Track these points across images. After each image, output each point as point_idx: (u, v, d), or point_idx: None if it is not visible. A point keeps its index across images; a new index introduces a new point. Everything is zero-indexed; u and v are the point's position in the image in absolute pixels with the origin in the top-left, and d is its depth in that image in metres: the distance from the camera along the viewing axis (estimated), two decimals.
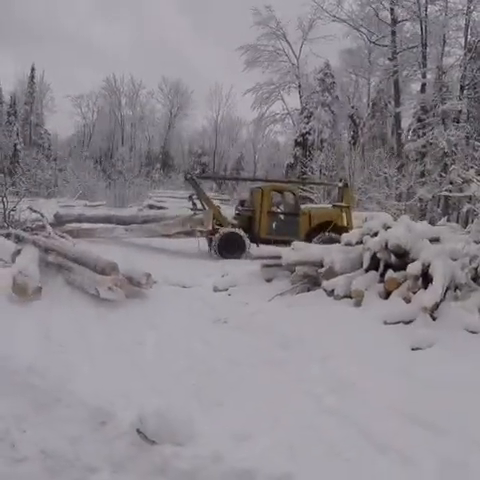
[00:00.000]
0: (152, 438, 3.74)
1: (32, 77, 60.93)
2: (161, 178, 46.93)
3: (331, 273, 8.23)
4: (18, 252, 9.52)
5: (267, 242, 16.12)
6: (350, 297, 7.75)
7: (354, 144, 37.23)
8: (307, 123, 40.95)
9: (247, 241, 15.57)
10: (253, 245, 15.92)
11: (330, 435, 4.03)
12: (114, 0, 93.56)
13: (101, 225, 17.18)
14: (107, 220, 17.87)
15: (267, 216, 16.34)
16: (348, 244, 8.95)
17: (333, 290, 7.98)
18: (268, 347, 6.13)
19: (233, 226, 15.98)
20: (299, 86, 45.56)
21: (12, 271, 7.89)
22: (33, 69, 60.71)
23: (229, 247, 15.34)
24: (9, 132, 52.41)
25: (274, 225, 16.39)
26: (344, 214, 17.01)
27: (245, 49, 44.60)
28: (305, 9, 40.35)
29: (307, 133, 40.51)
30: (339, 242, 15.05)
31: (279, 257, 9.30)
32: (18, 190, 22.63)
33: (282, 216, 16.62)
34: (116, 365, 5.39)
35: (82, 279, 8.27)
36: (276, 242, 15.85)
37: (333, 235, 15.74)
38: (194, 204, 16.93)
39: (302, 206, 17.70)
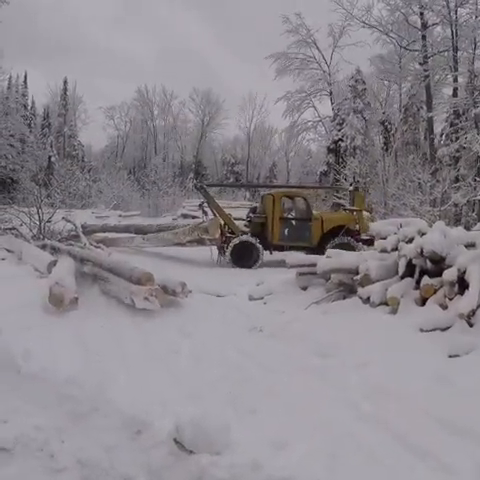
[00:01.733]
0: (189, 447, 3.75)
1: (65, 90, 61.90)
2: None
3: (367, 280, 8.16)
4: (54, 263, 9.65)
5: (280, 249, 16.07)
6: (386, 304, 7.68)
7: (387, 150, 36.91)
8: (339, 130, 40.72)
9: (261, 249, 15.52)
10: (266, 252, 15.86)
11: (368, 442, 4.00)
12: (136, 10, 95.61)
13: (124, 235, 17.39)
14: (127, 229, 18.07)
15: (279, 222, 16.24)
16: (383, 251, 8.87)
17: (369, 297, 7.92)
18: (303, 355, 6.10)
19: (245, 234, 15.92)
20: (330, 93, 45.39)
21: (48, 282, 7.99)
22: (65, 82, 61.76)
23: (242, 256, 15.32)
24: (43, 144, 53.29)
25: (286, 231, 16.31)
26: (357, 218, 16.91)
27: (275, 57, 44.57)
28: (334, 16, 40.26)
29: (340, 140, 40.24)
30: (352, 246, 15.16)
31: (314, 265, 9.26)
32: (53, 201, 22.92)
33: (294, 222, 16.55)
34: (152, 374, 5.41)
35: (118, 289, 8.33)
36: (290, 248, 16.00)
37: (348, 240, 15.89)
38: (204, 212, 16.94)
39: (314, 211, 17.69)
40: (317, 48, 44.50)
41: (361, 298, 8.12)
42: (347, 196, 29.67)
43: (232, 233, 15.98)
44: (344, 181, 33.09)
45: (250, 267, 15.00)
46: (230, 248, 15.42)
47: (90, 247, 12.08)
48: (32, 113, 57.06)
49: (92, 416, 4.26)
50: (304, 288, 9.57)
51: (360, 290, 8.20)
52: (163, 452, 3.79)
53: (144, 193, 44.37)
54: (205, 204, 16.98)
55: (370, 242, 15.89)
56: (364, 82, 42.21)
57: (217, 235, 15.53)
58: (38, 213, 16.19)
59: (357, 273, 8.45)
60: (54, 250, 12.10)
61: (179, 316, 7.77)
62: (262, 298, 9.51)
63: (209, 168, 65.52)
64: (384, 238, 9.83)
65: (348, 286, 8.72)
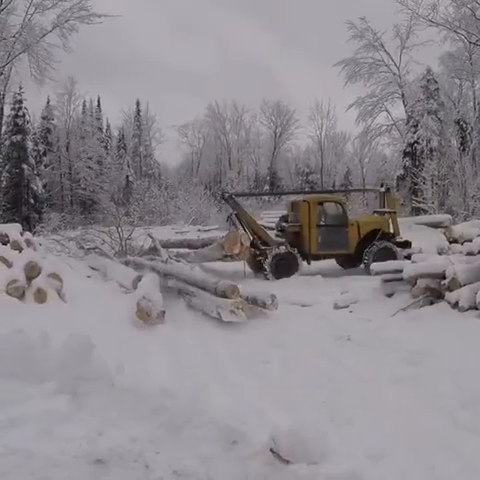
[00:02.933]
0: (286, 457, 3.71)
1: (138, 111, 63.26)
2: (271, 199, 47.16)
3: (454, 284, 7.93)
4: (139, 278, 9.84)
5: (316, 258, 15.38)
6: (476, 308, 7.45)
7: (464, 150, 35.91)
8: (414, 132, 39.80)
9: (300, 259, 14.72)
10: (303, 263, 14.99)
11: (467, 452, 3.88)
12: (194, 22, 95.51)
13: (187, 250, 16.60)
14: (181, 245, 17.39)
15: (316, 230, 15.27)
16: (470, 254, 8.62)
17: (457, 302, 7.70)
18: (395, 363, 6.01)
19: (280, 244, 14.95)
20: (402, 95, 44.46)
21: (135, 297, 8.17)
22: (138, 103, 63.12)
23: (281, 268, 14.40)
24: (120, 165, 54.66)
25: (324, 239, 15.31)
26: (390, 220, 16.14)
27: (343, 64, 44.06)
28: (399, 16, 39.42)
29: (415, 142, 39.35)
30: (393, 251, 14.69)
31: (399, 271, 9.07)
32: (132, 219, 23.48)
33: (331, 229, 15.49)
34: (244, 384, 5.48)
35: (203, 303, 8.44)
36: (325, 257, 15.38)
37: (388, 245, 15.17)
38: (234, 225, 15.84)
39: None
40: (385, 51, 43.73)
41: (449, 303, 7.91)
42: (427, 200, 29.06)
43: (265, 244, 15.00)
44: (422, 184, 32.38)
45: (287, 278, 14.08)
46: (269, 260, 14.49)
47: (172, 261, 12.21)
48: (107, 135, 58.69)
49: (186, 427, 4.27)
50: (389, 295, 9.38)
51: (448, 295, 7.99)
52: (260, 462, 3.75)
53: (221, 207, 44.73)
54: (233, 216, 15.88)
55: (405, 245, 15.44)
56: (436, 82, 41.14)
57: (236, 250, 14.30)
58: (118, 231, 16.52)
59: (444, 277, 8.23)
60: (136, 266, 12.35)
61: (267, 327, 7.80)
62: (347, 306, 9.39)
63: (284, 179, 65.42)
64: (469, 240, 9.57)
65: (435, 291, 8.49)
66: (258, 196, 41.95)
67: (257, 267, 15.13)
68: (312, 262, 15.60)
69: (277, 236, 15.76)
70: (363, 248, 15.17)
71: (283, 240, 15.28)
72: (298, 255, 14.74)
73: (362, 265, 15.10)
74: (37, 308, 8.53)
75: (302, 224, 15.44)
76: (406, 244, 15.45)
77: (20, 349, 5.17)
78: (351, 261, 15.74)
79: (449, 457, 3.82)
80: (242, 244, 14.47)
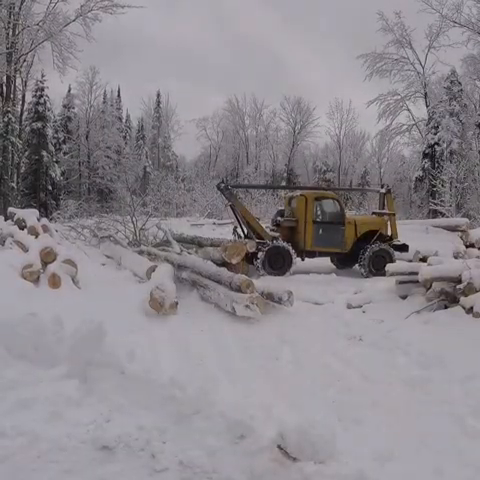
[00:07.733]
0: (293, 455, 3.69)
1: (158, 102, 63.31)
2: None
3: (470, 289, 7.86)
4: (153, 269, 9.85)
5: (311, 255, 15.01)
6: None
7: None
8: (435, 134, 39.40)
9: (294, 255, 14.21)
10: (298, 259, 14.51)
11: (475, 459, 3.86)
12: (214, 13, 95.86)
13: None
14: (192, 241, 16.88)
15: (312, 226, 14.87)
16: None
17: (472, 307, 7.63)
18: (406, 365, 5.99)
19: (275, 239, 14.46)
20: (425, 95, 43.80)
21: (149, 286, 8.19)
22: (158, 94, 63.22)
23: (274, 263, 14.04)
24: (138, 155, 54.82)
25: (319, 236, 14.89)
26: (388, 222, 15.65)
27: (366, 58, 42.79)
28: (424, 15, 38.65)
29: (435, 144, 38.93)
30: (390, 254, 14.42)
31: (415, 273, 8.99)
32: (148, 210, 23.54)
33: (327, 226, 15.05)
34: (254, 379, 5.48)
35: (217, 296, 8.44)
36: (320, 254, 15.09)
37: (386, 247, 14.77)
38: (239, 236, 15.32)
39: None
40: (412, 48, 42.89)
41: (464, 308, 7.83)
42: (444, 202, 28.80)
43: (259, 238, 14.44)
44: (441, 187, 32.13)
45: (282, 275, 13.70)
46: (262, 255, 14.02)
47: (185, 254, 12.18)
48: (127, 126, 58.90)
49: (194, 418, 4.28)
50: (403, 297, 9.29)
51: (463, 299, 7.91)
52: (266, 458, 3.74)
53: None
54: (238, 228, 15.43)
55: (402, 248, 15.04)
56: (460, 83, 40.57)
57: (234, 260, 13.21)
58: (132, 221, 16.52)
59: (460, 282, 8.15)
60: (150, 256, 12.36)
61: (278, 323, 7.78)
62: (361, 306, 9.30)
63: (301, 176, 65.19)
64: None
65: (450, 295, 8.41)
66: (254, 188, 41.33)
67: (249, 260, 14.54)
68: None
69: (272, 231, 15.30)
70: (359, 248, 14.83)
71: (278, 234, 14.90)
72: (292, 251, 14.33)
73: (357, 266, 14.88)
74: (51, 293, 8.61)
75: (298, 219, 15.17)
76: (403, 247, 15.20)
77: (33, 332, 5.21)
78: (346, 261, 15.54)
79: (457, 463, 3.81)
80: (241, 257, 13.60)
